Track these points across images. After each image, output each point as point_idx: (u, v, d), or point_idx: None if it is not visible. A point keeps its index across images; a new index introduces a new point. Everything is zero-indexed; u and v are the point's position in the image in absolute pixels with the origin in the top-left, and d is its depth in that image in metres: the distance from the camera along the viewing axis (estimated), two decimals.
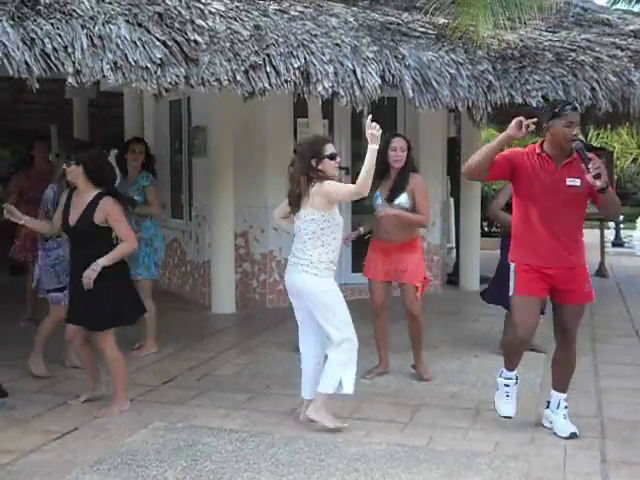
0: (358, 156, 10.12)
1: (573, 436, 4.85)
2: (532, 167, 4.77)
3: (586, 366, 6.56)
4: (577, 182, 4.72)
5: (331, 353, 5.00)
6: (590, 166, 4.54)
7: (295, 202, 5.02)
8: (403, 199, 5.99)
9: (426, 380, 6.06)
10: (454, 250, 11.67)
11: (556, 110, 4.70)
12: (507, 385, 5.06)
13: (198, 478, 4.25)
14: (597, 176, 4.52)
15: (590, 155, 4.59)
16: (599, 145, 17.18)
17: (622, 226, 16.45)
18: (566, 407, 5.01)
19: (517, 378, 5.12)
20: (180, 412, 5.35)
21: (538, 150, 4.80)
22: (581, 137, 4.80)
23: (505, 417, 5.02)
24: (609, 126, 13.27)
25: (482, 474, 4.32)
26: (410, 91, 6.87)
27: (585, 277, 4.93)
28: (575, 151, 4.66)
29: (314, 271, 4.94)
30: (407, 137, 6.13)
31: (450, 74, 7.12)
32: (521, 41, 7.81)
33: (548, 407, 5.08)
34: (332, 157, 5.02)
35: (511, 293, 4.93)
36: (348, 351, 4.99)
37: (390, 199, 6.01)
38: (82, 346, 5.42)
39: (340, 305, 5.01)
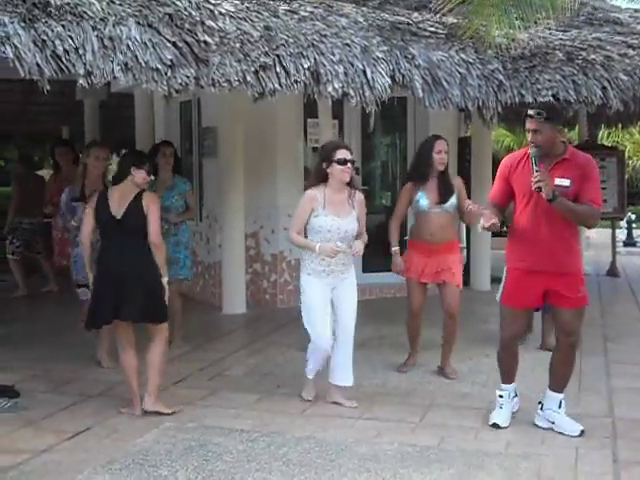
0: (368, 156, 10.16)
1: (582, 433, 4.85)
2: (522, 170, 4.78)
3: (597, 366, 6.55)
4: (566, 182, 4.71)
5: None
6: (533, 177, 4.58)
7: None
8: (454, 200, 6.09)
9: (453, 379, 6.09)
10: (465, 250, 11.65)
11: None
12: (501, 396, 5.07)
13: (209, 478, 4.26)
14: (537, 189, 4.57)
15: (538, 168, 4.61)
16: (610, 144, 17.10)
17: (634, 225, 16.40)
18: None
19: (516, 394, 5.14)
20: (191, 412, 5.36)
21: (529, 152, 4.78)
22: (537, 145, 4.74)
23: (493, 425, 4.98)
24: (620, 125, 13.26)
25: (493, 474, 4.31)
26: (420, 91, 6.86)
27: (579, 281, 4.94)
28: (532, 157, 4.69)
29: (308, 271, 5.39)
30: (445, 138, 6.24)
31: (460, 74, 7.10)
32: (531, 40, 7.79)
33: (542, 409, 5.02)
34: (340, 162, 5.21)
35: (498, 296, 5.01)
36: (312, 343, 5.45)
37: (443, 201, 6.07)
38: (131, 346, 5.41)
39: (304, 301, 5.42)
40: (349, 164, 5.23)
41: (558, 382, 5.00)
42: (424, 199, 6.05)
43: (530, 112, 4.72)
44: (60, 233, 8.31)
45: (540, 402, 5.07)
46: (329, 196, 5.30)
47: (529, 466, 4.41)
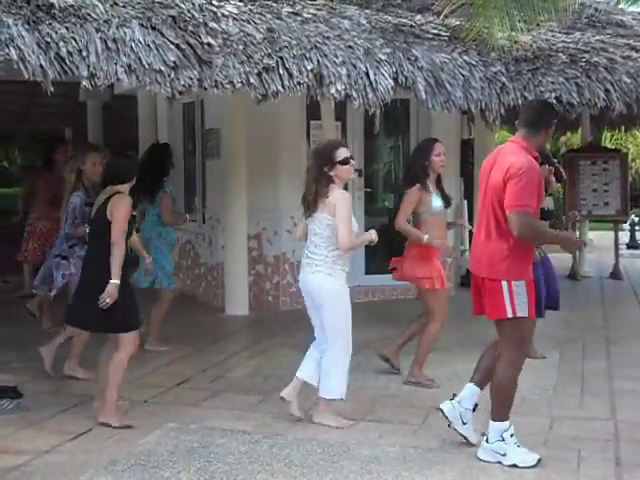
0: (371, 158, 10.17)
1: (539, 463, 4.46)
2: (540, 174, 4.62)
3: (600, 368, 6.54)
4: None
5: (326, 356, 5.12)
6: (559, 166, 4.58)
7: (310, 206, 5.07)
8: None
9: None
10: (467, 252, 11.65)
11: (558, 113, 4.69)
12: (512, 435, 4.49)
13: (212, 479, 4.26)
14: (560, 177, 4.56)
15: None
16: (613, 147, 17.08)
17: (637, 228, 16.38)
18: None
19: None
20: (193, 414, 5.36)
21: (535, 153, 4.56)
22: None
23: (539, 461, 4.44)
24: (623, 128, 13.26)
25: (495, 477, 4.31)
26: (423, 93, 6.86)
27: None
28: (543, 155, 4.68)
29: (328, 271, 5.03)
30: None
31: (463, 76, 7.11)
32: (534, 43, 7.79)
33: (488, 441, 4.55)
34: (344, 162, 5.03)
35: (524, 312, 4.43)
36: (343, 355, 5.11)
37: (448, 204, 6.15)
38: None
39: (345, 308, 5.10)
40: (352, 162, 5.12)
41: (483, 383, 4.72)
42: (438, 201, 6.00)
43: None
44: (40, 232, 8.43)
45: (483, 434, 4.62)
46: None
47: (532, 469, 4.40)
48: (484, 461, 4.50)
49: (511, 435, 4.49)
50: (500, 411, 4.51)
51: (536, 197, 4.38)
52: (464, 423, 4.71)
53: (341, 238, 4.93)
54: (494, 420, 4.52)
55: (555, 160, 4.72)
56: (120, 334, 5.09)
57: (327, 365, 5.11)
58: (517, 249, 4.40)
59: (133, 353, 5.18)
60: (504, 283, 4.39)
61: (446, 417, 4.73)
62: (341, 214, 4.93)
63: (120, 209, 5.07)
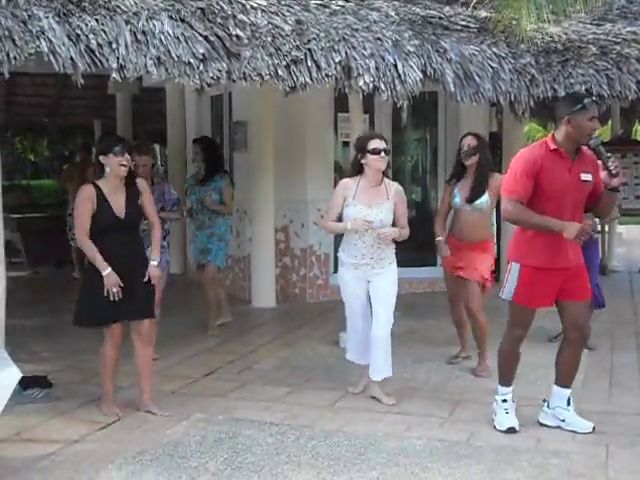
0: (398, 150, 10.14)
1: (594, 430, 4.79)
2: (549, 165, 4.60)
3: (629, 362, 6.49)
4: (589, 177, 4.66)
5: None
6: (610, 164, 4.50)
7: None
8: (484, 200, 6.00)
9: (481, 377, 5.99)
10: (495, 246, 11.57)
11: (582, 104, 4.56)
12: (505, 400, 4.90)
13: (239, 470, 4.28)
14: (616, 174, 4.49)
15: (609, 155, 4.56)
16: None
17: None
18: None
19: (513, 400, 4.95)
20: (221, 404, 5.39)
21: (553, 146, 4.61)
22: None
23: (508, 430, 4.80)
24: None
25: (523, 470, 4.29)
26: (452, 85, 6.82)
27: (586, 274, 4.91)
28: (592, 147, 4.59)
29: (341, 256, 5.55)
30: (479, 135, 6.21)
31: (492, 68, 7.05)
32: (565, 34, 7.70)
33: (549, 406, 4.91)
34: (374, 152, 5.29)
35: (508, 295, 4.77)
36: (348, 336, 5.69)
37: (471, 200, 6.01)
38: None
39: (345, 294, 5.57)
40: (383, 153, 5.30)
41: (567, 377, 4.90)
42: (458, 196, 6.05)
43: (594, 98, 4.66)
44: None
45: (545, 399, 4.97)
46: (363, 186, 5.38)
47: (559, 463, 4.38)
48: (545, 425, 4.88)
49: (503, 400, 4.88)
50: (499, 376, 4.96)
51: (528, 186, 4.57)
52: (562, 420, 4.86)
53: None
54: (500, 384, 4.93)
55: (608, 155, 4.61)
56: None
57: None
58: (531, 234, 4.68)
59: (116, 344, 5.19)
60: (510, 263, 4.80)
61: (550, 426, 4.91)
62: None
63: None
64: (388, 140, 9.52)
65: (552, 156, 4.63)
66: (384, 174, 5.44)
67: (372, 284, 5.45)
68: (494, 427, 4.87)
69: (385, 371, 5.44)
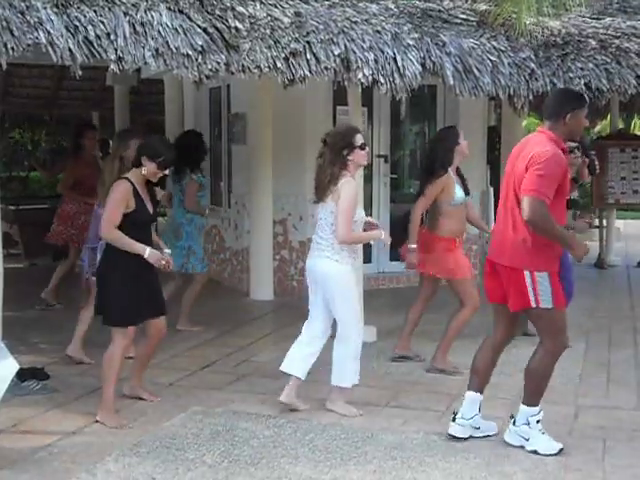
0: (397, 144, 10.13)
1: (561, 452, 4.47)
2: (566, 167, 4.51)
3: (627, 357, 6.50)
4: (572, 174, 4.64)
5: (338, 344, 5.11)
6: (596, 163, 4.49)
7: (322, 192, 5.02)
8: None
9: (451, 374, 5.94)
10: None
11: (583, 100, 4.56)
12: (539, 421, 4.52)
13: (236, 462, 4.29)
14: (596, 173, 4.48)
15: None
16: None
17: None
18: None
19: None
20: (218, 397, 5.40)
21: (562, 145, 4.50)
22: None
23: (560, 451, 4.45)
24: None
25: (520, 464, 4.30)
26: (451, 78, 6.80)
27: None
28: (584, 144, 4.58)
29: (335, 257, 5.00)
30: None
31: (491, 61, 7.03)
32: (564, 28, 7.69)
33: (515, 423, 4.59)
34: (363, 147, 5.05)
35: (548, 304, 4.41)
36: (354, 342, 5.08)
37: (468, 193, 6.10)
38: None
39: (352, 296, 5.11)
40: (367, 148, 5.14)
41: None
42: (460, 190, 5.99)
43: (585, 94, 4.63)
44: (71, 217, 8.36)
45: (512, 416, 4.66)
46: None
47: (556, 457, 4.39)
48: (508, 444, 4.51)
49: (537, 421, 4.49)
50: (532, 396, 4.52)
51: (554, 190, 4.30)
52: (477, 428, 4.68)
53: (338, 230, 4.89)
54: (524, 404, 4.53)
55: (592, 152, 4.60)
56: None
57: (340, 353, 5.09)
58: (542, 239, 4.36)
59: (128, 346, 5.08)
60: (527, 273, 4.37)
61: (460, 439, 4.64)
62: (343, 204, 4.87)
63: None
64: (386, 134, 9.60)
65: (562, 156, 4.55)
66: None
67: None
68: (538, 452, 4.43)
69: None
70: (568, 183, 4.56)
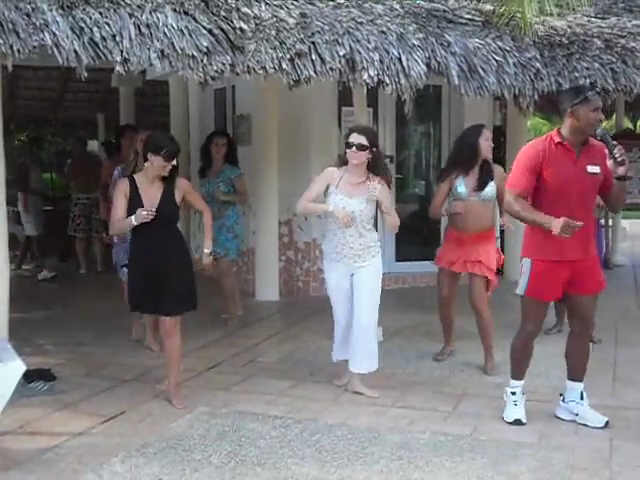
0: (402, 144, 10.12)
1: (607, 425, 4.81)
2: (553, 158, 4.63)
3: (633, 356, 6.48)
4: (597, 169, 4.66)
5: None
6: (615, 152, 4.49)
7: None
8: (490, 189, 6.03)
9: (490, 375, 5.93)
10: (499, 239, 11.55)
11: (584, 95, 4.60)
12: (514, 393, 4.94)
13: (242, 463, 4.29)
14: (621, 162, 4.48)
15: (615, 142, 4.54)
16: None
17: None
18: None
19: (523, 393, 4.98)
20: (225, 398, 5.40)
21: (557, 139, 4.65)
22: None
23: (515, 422, 4.85)
24: None
25: (526, 464, 4.29)
26: (456, 78, 6.80)
27: (599, 266, 4.96)
28: (599, 137, 4.59)
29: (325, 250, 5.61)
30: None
31: (496, 61, 7.02)
32: (569, 28, 7.68)
33: (564, 400, 4.96)
34: (347, 145, 5.37)
35: (521, 291, 4.85)
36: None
37: (480, 189, 6.04)
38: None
39: (328, 287, 5.64)
40: (354, 147, 5.29)
41: (576, 371, 4.97)
42: (462, 186, 6.02)
43: (598, 90, 4.70)
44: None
45: (561, 394, 5.02)
46: (346, 177, 5.41)
47: (563, 457, 4.38)
48: (560, 418, 4.94)
49: (512, 393, 4.91)
50: (512, 371, 4.98)
51: (527, 179, 4.65)
52: (577, 414, 4.90)
53: None
54: (569, 379, 4.98)
55: (614, 143, 4.58)
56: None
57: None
58: (538, 228, 4.63)
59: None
60: (523, 259, 4.86)
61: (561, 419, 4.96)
62: None
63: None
64: (392, 134, 9.58)
65: (556, 149, 4.65)
66: (370, 169, 5.37)
67: (355, 277, 5.43)
68: (502, 418, 4.90)
69: (366, 365, 5.44)
70: (553, 175, 4.63)
